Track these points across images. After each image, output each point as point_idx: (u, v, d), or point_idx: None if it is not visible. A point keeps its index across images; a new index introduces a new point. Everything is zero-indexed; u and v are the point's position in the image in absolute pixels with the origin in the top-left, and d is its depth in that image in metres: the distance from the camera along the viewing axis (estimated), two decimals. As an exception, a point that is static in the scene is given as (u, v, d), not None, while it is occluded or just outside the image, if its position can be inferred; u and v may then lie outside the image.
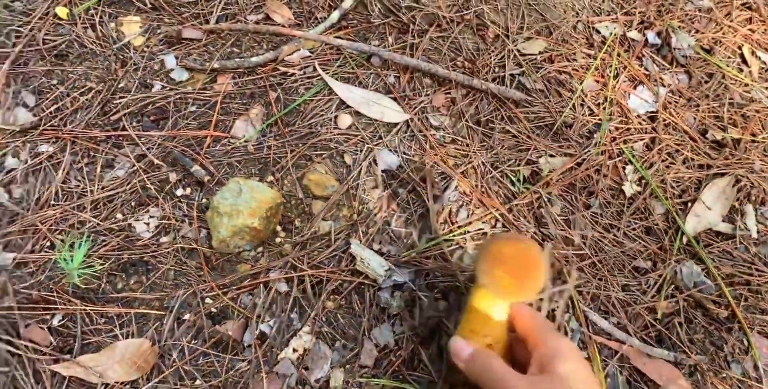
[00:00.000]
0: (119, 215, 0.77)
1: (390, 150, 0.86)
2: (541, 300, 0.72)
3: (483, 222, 0.82)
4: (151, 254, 0.75)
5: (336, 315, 0.73)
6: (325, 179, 0.83)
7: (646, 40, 1.03)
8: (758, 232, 0.87)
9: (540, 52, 0.98)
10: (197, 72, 0.90)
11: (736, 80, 1.01)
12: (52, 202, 0.77)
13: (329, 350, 0.70)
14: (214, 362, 0.69)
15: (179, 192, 0.80)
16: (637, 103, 0.96)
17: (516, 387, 0.54)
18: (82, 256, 0.69)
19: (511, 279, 0.57)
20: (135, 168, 0.80)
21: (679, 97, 0.98)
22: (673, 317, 0.78)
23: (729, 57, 1.03)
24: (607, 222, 0.84)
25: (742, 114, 0.97)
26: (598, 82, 0.97)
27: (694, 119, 0.96)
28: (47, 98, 0.84)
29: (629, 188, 0.87)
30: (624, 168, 0.89)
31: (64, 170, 0.79)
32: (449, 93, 0.93)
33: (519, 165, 0.87)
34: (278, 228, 0.79)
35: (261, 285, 0.74)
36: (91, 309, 0.70)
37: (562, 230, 0.82)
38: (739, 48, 1.04)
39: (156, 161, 0.81)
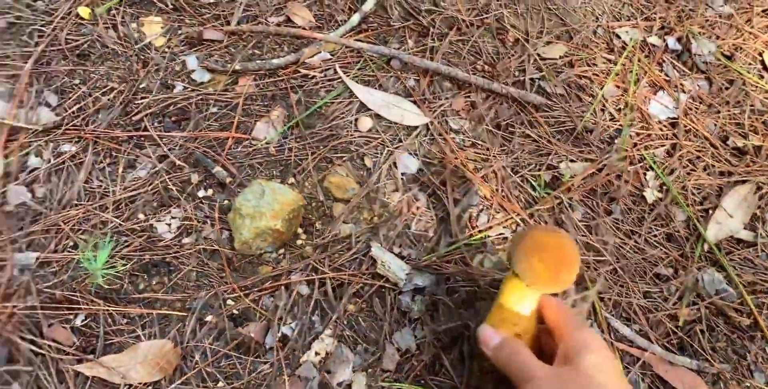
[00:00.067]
0: (141, 216, 0.77)
1: (410, 153, 0.86)
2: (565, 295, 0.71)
3: (504, 227, 0.81)
4: (173, 255, 0.75)
5: (357, 318, 0.73)
6: (346, 182, 0.83)
7: (667, 45, 1.02)
8: (780, 240, 0.86)
9: (560, 57, 0.98)
10: (218, 73, 0.90)
11: (756, 87, 1.00)
12: (75, 202, 0.77)
13: (351, 353, 0.70)
14: (236, 364, 0.69)
15: (201, 193, 0.80)
16: (658, 109, 0.95)
17: (541, 376, 0.54)
18: (106, 256, 0.69)
19: (548, 268, 0.57)
20: (157, 169, 0.80)
21: (700, 103, 0.98)
22: (695, 324, 0.78)
23: (750, 63, 1.03)
24: (628, 229, 0.84)
25: (763, 121, 0.96)
26: (618, 87, 0.97)
27: (715, 125, 0.95)
28: (69, 98, 0.85)
29: (650, 195, 0.87)
30: (645, 174, 0.89)
31: (86, 169, 0.79)
32: (469, 97, 0.93)
33: (539, 170, 0.87)
34: (299, 230, 0.79)
35: (282, 287, 0.74)
36: (113, 310, 0.70)
37: (583, 235, 0.82)
38: (760, 54, 1.04)
39: (178, 162, 0.81)
